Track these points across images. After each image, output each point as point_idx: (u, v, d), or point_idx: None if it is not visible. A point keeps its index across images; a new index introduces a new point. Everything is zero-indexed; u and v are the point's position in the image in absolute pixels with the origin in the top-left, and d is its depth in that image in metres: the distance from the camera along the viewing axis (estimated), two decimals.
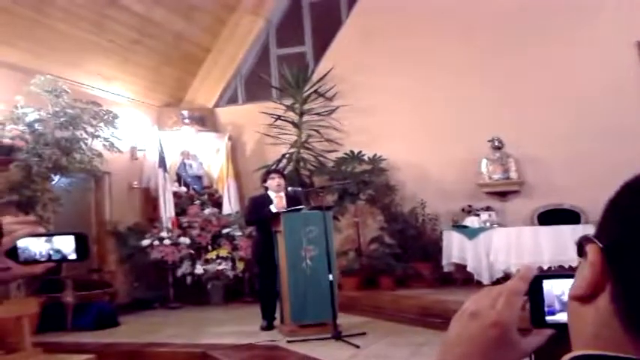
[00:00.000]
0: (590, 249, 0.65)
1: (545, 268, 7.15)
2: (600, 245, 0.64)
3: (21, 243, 1.09)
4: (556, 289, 0.76)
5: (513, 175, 8.85)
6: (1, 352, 4.69)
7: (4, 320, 4.51)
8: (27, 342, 4.50)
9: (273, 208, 6.50)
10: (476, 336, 0.73)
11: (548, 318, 0.76)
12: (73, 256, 1.14)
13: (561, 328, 0.73)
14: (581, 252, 0.67)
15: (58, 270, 6.97)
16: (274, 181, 6.69)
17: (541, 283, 0.76)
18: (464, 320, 0.75)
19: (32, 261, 1.12)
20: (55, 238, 1.13)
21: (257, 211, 6.67)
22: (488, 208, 8.68)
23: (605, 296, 0.63)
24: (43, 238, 1.12)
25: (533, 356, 0.78)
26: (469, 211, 8.72)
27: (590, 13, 8.61)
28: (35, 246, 1.12)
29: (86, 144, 7.58)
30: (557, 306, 0.76)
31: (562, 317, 0.73)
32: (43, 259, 1.12)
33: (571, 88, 8.61)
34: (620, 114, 8.24)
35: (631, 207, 0.62)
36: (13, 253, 1.08)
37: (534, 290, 0.76)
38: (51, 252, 1.13)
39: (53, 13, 7.78)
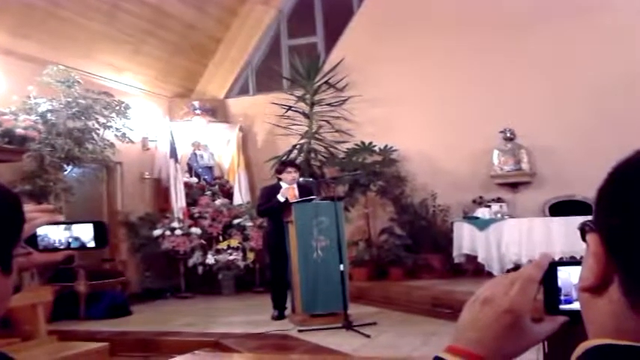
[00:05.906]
0: (591, 239, 0.64)
1: (557, 259, 7.11)
2: (600, 235, 0.62)
3: (40, 231, 1.10)
4: (573, 278, 0.75)
5: (525, 166, 8.80)
6: (18, 338, 4.76)
7: (20, 308, 4.57)
8: (42, 329, 4.55)
9: (281, 198, 6.54)
10: (489, 322, 0.73)
11: (565, 307, 0.75)
12: (91, 244, 1.15)
13: (574, 315, 0.72)
14: (584, 237, 0.66)
15: (71, 259, 7.03)
16: (290, 175, 6.73)
17: (556, 270, 0.76)
18: (477, 306, 0.75)
19: (51, 249, 1.12)
20: (74, 226, 1.14)
21: (268, 200, 6.72)
22: (499, 200, 8.65)
23: (615, 287, 0.61)
24: (62, 226, 1.13)
25: (545, 343, 0.79)
26: (480, 202, 8.69)
27: (607, 1, 8.52)
28: (54, 234, 1.12)
29: (98, 134, 7.64)
30: (574, 295, 0.75)
31: (578, 305, 0.72)
32: (62, 247, 1.13)
33: (584, 79, 8.52)
34: (633, 104, 8.15)
35: (625, 194, 0.61)
36: (32, 240, 1.07)
37: (549, 277, 0.76)
38: (70, 240, 1.14)
39: (65, 4, 7.80)
